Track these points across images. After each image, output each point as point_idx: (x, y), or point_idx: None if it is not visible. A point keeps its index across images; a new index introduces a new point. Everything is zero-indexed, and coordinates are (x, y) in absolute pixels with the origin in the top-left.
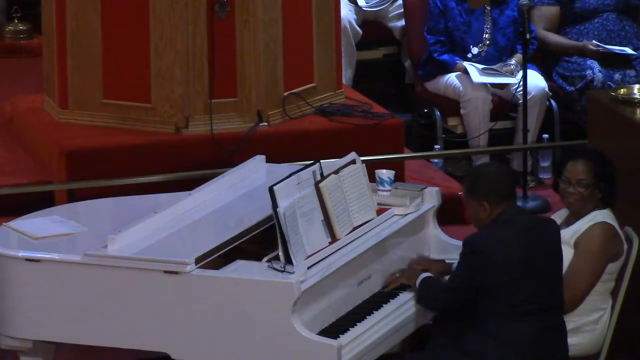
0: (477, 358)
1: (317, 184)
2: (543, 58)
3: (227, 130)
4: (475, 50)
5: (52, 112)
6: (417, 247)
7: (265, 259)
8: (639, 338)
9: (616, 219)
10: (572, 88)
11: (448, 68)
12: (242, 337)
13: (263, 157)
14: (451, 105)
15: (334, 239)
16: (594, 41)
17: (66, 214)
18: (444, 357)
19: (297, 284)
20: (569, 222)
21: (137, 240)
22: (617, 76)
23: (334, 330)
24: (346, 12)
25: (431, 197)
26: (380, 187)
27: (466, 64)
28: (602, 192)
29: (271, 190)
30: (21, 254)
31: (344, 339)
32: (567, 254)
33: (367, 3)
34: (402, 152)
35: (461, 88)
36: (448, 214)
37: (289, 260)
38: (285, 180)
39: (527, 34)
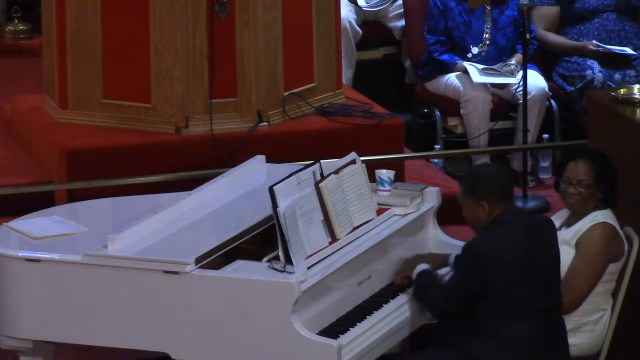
0: None
1: (317, 184)
2: (543, 58)
3: (227, 130)
4: (475, 50)
5: (52, 112)
6: (417, 247)
7: (265, 259)
8: (639, 338)
9: (617, 220)
10: (572, 88)
11: (448, 68)
12: (242, 337)
13: (263, 157)
14: (451, 105)
15: (334, 239)
16: (594, 41)
17: (66, 214)
18: (444, 358)
19: (297, 284)
20: (569, 222)
21: (137, 240)
22: (617, 76)
23: (334, 330)
24: (346, 12)
25: (431, 197)
26: (380, 187)
27: (466, 64)
28: (602, 192)
29: (271, 190)
30: (21, 254)
31: (344, 339)
32: (568, 254)
33: (367, 3)
34: (402, 152)
35: (461, 88)
36: (448, 214)
37: (289, 260)
38: (285, 180)
39: (527, 34)
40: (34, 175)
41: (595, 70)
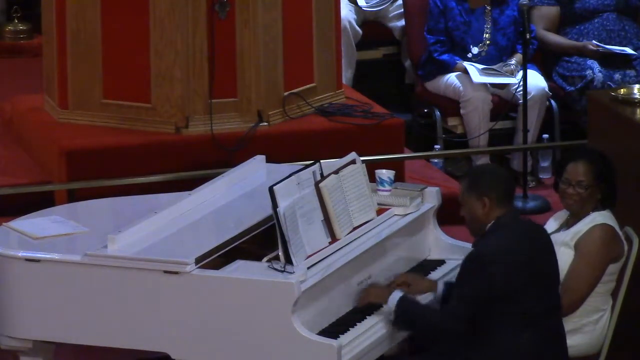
0: None
1: (317, 184)
2: (543, 58)
3: (227, 130)
4: (475, 50)
5: (52, 112)
6: (417, 247)
7: (265, 259)
8: (639, 338)
9: (616, 220)
10: (572, 88)
11: (448, 68)
12: (242, 337)
13: (263, 157)
14: (451, 105)
15: (334, 239)
16: (594, 41)
17: (66, 214)
18: None
19: (297, 284)
20: (569, 223)
21: (137, 240)
22: (617, 76)
23: (334, 330)
24: (346, 12)
25: (431, 197)
26: (380, 187)
27: (466, 64)
28: (601, 193)
29: (271, 190)
30: (21, 254)
31: (344, 339)
32: (568, 255)
33: (367, 3)
34: (402, 152)
35: (461, 88)
36: (448, 214)
37: (289, 260)
38: (285, 180)
39: (527, 34)
40: (34, 175)
41: (595, 70)
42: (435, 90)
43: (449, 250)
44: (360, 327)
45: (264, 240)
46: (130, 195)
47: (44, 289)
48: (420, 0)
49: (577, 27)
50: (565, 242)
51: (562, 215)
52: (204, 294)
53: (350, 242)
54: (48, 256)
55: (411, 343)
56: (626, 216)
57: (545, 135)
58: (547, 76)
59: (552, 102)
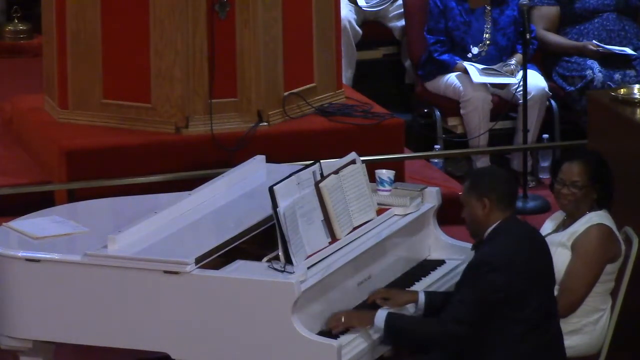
0: None
1: (317, 184)
2: (543, 58)
3: (227, 130)
4: (475, 50)
5: (52, 112)
6: (417, 247)
7: (265, 259)
8: (639, 338)
9: (613, 220)
10: (572, 88)
11: (448, 68)
12: (242, 337)
13: (263, 157)
14: (451, 105)
15: (334, 239)
16: (594, 41)
17: (66, 214)
18: None
19: (297, 284)
20: (565, 224)
21: (137, 240)
22: (617, 76)
23: None
24: (346, 12)
25: (431, 197)
26: (380, 187)
27: (466, 64)
28: (597, 193)
29: (271, 190)
30: (21, 254)
31: (344, 339)
32: (565, 256)
33: (367, 3)
34: (402, 152)
35: (461, 88)
36: (448, 214)
37: (289, 260)
38: (285, 180)
39: (527, 34)
40: (34, 175)
41: (595, 70)
42: (435, 90)
43: (449, 250)
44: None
45: (264, 240)
46: (130, 195)
47: (44, 289)
48: (420, 0)
49: (577, 27)
50: (562, 242)
51: (558, 216)
52: (204, 294)
53: (350, 242)
54: (48, 256)
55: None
56: (626, 216)
57: (545, 135)
58: (547, 76)
59: (552, 102)
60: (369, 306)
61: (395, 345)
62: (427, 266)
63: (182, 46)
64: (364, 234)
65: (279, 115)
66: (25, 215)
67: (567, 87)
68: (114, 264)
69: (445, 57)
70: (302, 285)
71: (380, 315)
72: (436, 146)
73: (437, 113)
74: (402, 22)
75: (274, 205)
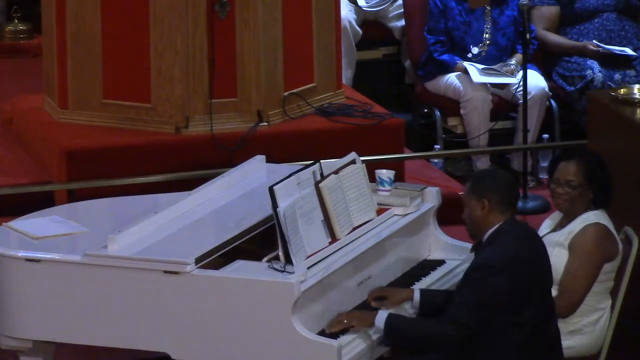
0: None
1: (317, 184)
2: (543, 58)
3: (227, 130)
4: (475, 50)
5: (52, 112)
6: (417, 247)
7: (265, 259)
8: (639, 338)
9: (610, 220)
10: (572, 88)
11: (448, 68)
12: (242, 337)
13: (263, 157)
14: (451, 105)
15: (334, 239)
16: (594, 41)
17: (66, 214)
18: None
19: (297, 284)
20: (562, 223)
21: (137, 240)
22: (617, 76)
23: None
24: (346, 12)
25: (431, 197)
26: (380, 187)
27: (466, 64)
28: (593, 193)
29: (271, 190)
30: (21, 254)
31: (344, 339)
32: (563, 256)
33: (367, 3)
34: (402, 152)
35: (461, 88)
36: (448, 214)
37: (289, 260)
38: (285, 180)
39: (527, 34)
40: (34, 175)
41: (595, 70)
42: (435, 90)
43: (449, 250)
44: None
45: (264, 240)
46: (130, 195)
47: (44, 289)
48: (420, 0)
49: (577, 27)
50: (560, 242)
51: (556, 215)
52: (204, 294)
53: (350, 242)
54: (48, 256)
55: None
56: (626, 216)
57: (545, 135)
58: (547, 76)
59: (552, 102)
60: (370, 307)
61: (395, 346)
62: (427, 266)
63: (182, 46)
64: (364, 234)
65: (279, 115)
66: (25, 215)
67: (567, 87)
68: (114, 264)
69: (445, 57)
70: (302, 285)
71: (381, 317)
72: (436, 146)
73: (437, 113)
74: (402, 22)
75: (274, 205)
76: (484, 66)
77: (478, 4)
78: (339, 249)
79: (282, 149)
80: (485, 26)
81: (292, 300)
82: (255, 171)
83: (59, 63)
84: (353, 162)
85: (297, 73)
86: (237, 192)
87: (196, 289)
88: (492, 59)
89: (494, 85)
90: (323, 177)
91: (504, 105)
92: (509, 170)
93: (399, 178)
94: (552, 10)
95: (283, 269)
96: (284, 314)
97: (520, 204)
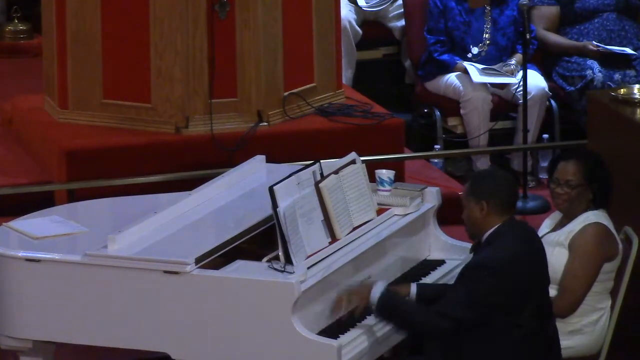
0: None
1: (317, 184)
2: (543, 58)
3: (227, 130)
4: (475, 50)
5: (52, 112)
6: (417, 247)
7: (265, 259)
8: (639, 338)
9: (610, 220)
10: (572, 88)
11: (448, 68)
12: (242, 337)
13: (263, 157)
14: (451, 105)
15: (334, 239)
16: (594, 41)
17: (66, 214)
18: None
19: (297, 284)
20: (562, 223)
21: (137, 240)
22: (617, 76)
23: (334, 330)
24: (346, 12)
25: (431, 197)
26: (380, 187)
27: (466, 63)
28: (593, 193)
29: (271, 190)
30: (21, 254)
31: (344, 339)
32: (563, 255)
33: (367, 3)
34: (402, 152)
35: (461, 88)
36: (448, 214)
37: (289, 260)
38: (285, 180)
39: (527, 34)
40: (34, 175)
41: (595, 70)
42: (435, 90)
43: (449, 250)
44: (360, 327)
45: (264, 240)
46: (130, 195)
47: (44, 289)
48: (420, 0)
49: (577, 27)
50: (560, 242)
51: (556, 215)
52: (204, 294)
53: (350, 242)
54: (48, 256)
55: (411, 344)
56: (626, 216)
57: (545, 135)
58: (547, 76)
59: (552, 102)
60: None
61: (384, 320)
62: (427, 266)
63: (182, 46)
64: (364, 234)
65: (279, 115)
66: (25, 215)
67: (567, 87)
68: (114, 264)
69: (445, 57)
70: (302, 285)
71: (376, 290)
72: (436, 146)
73: (437, 113)
74: (402, 22)
75: (274, 205)
76: (484, 66)
77: (478, 4)
78: (339, 249)
79: (282, 149)
80: (485, 26)
81: (292, 300)
82: (255, 171)
83: (59, 63)
84: (353, 162)
85: (297, 73)
86: (237, 192)
87: (196, 289)
88: (492, 59)
89: (494, 85)
90: (323, 177)
91: (504, 105)
92: (509, 171)
93: (399, 178)
94: (552, 10)
95: (283, 269)
96: (284, 314)
97: (520, 204)
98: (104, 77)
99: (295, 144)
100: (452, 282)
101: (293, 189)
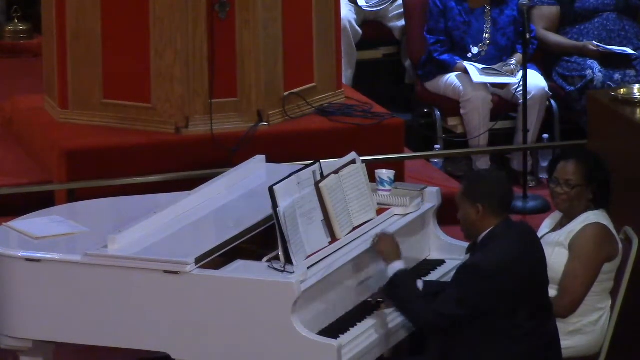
0: None
1: (317, 183)
2: (543, 58)
3: (227, 130)
4: (475, 50)
5: (52, 112)
6: (417, 247)
7: (265, 259)
8: (639, 338)
9: (610, 220)
10: (572, 88)
11: (448, 68)
12: (242, 337)
13: (263, 157)
14: (451, 105)
15: (334, 239)
16: (594, 41)
17: (66, 214)
18: None
19: (297, 284)
20: (562, 223)
21: (137, 240)
22: (617, 76)
23: (334, 330)
24: (346, 12)
25: (431, 197)
26: (380, 187)
27: (466, 63)
28: (593, 193)
29: (271, 190)
30: (21, 254)
31: (344, 339)
32: (563, 255)
33: (367, 3)
34: (402, 152)
35: (461, 88)
36: (448, 214)
37: (289, 260)
38: (285, 180)
39: (527, 34)
40: (34, 175)
41: (595, 70)
42: (435, 90)
43: (449, 250)
44: (360, 327)
45: (264, 240)
46: (130, 195)
47: (44, 289)
48: (420, 0)
49: (577, 27)
50: (560, 242)
51: (556, 215)
52: (204, 294)
53: (350, 242)
54: (48, 256)
55: (411, 344)
56: (626, 216)
57: (545, 135)
58: (547, 76)
59: (552, 102)
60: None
61: (386, 294)
62: (427, 266)
63: (182, 46)
64: (364, 233)
65: (279, 115)
66: (25, 215)
67: (567, 87)
68: (114, 264)
69: (445, 57)
70: (302, 285)
71: (394, 267)
72: (436, 146)
73: (437, 113)
74: (402, 22)
75: (274, 205)
76: (484, 66)
77: (478, 4)
78: (339, 249)
79: (282, 149)
80: (485, 26)
81: (292, 300)
82: (255, 171)
83: (59, 63)
84: (353, 162)
85: (297, 73)
86: (237, 192)
87: (196, 289)
88: (492, 58)
89: (494, 85)
90: (323, 177)
91: (504, 105)
92: (509, 171)
93: (399, 178)
94: (552, 10)
95: (283, 269)
96: (284, 313)
97: (520, 204)
98: (104, 77)
99: (295, 144)
100: None
101: (293, 188)
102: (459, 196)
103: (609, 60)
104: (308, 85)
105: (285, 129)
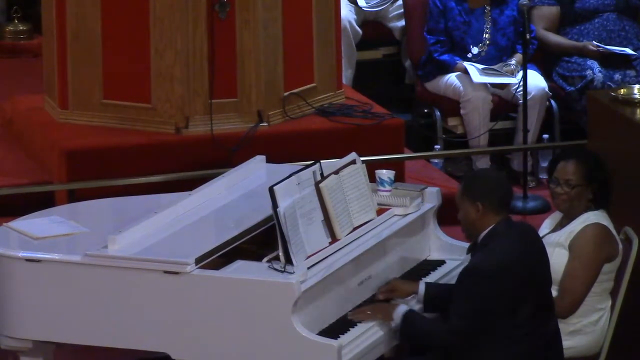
0: None
1: (317, 184)
2: (543, 58)
3: (227, 130)
4: (475, 50)
5: (52, 112)
6: (417, 247)
7: (265, 259)
8: (639, 338)
9: (610, 220)
10: (572, 88)
11: (448, 68)
12: (242, 337)
13: (263, 157)
14: (451, 105)
15: (334, 239)
16: (594, 41)
17: (66, 214)
18: None
19: (297, 284)
20: (562, 223)
21: (137, 240)
22: (617, 76)
23: (334, 330)
24: (346, 12)
25: (431, 197)
26: (380, 187)
27: (466, 64)
28: (593, 193)
29: (271, 190)
30: (21, 254)
31: (344, 339)
32: (563, 256)
33: (367, 3)
34: (402, 152)
35: (461, 88)
36: (448, 214)
37: (289, 261)
38: (285, 180)
39: (527, 34)
40: (34, 175)
41: (595, 70)
42: (435, 90)
43: (449, 250)
44: (361, 327)
45: (264, 240)
46: (130, 196)
47: (44, 289)
48: (420, 0)
49: (577, 27)
50: (560, 242)
51: (557, 216)
52: (204, 294)
53: (351, 242)
54: (48, 256)
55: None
56: (626, 216)
57: (545, 135)
58: (547, 76)
59: (552, 102)
60: (379, 300)
61: (406, 341)
62: (427, 266)
63: (182, 46)
64: (364, 234)
65: (279, 115)
66: (25, 215)
67: (567, 87)
68: (114, 264)
69: (445, 57)
70: (303, 286)
71: (399, 311)
72: (436, 146)
73: (437, 113)
74: (402, 22)
75: (274, 205)
76: (484, 66)
77: (478, 4)
78: (339, 249)
79: (282, 149)
80: (485, 26)
81: (292, 300)
82: (255, 171)
83: (59, 63)
84: (353, 162)
85: (297, 73)
86: (237, 192)
87: (196, 289)
88: (492, 59)
89: (494, 85)
90: (323, 177)
91: (504, 105)
92: (509, 171)
93: (399, 178)
94: (552, 10)
95: (283, 269)
96: (284, 314)
97: (520, 204)
98: (104, 77)
99: (295, 144)
100: (452, 282)
101: (293, 189)
102: (459, 195)
103: (609, 61)
104: (308, 86)
105: (286, 129)
